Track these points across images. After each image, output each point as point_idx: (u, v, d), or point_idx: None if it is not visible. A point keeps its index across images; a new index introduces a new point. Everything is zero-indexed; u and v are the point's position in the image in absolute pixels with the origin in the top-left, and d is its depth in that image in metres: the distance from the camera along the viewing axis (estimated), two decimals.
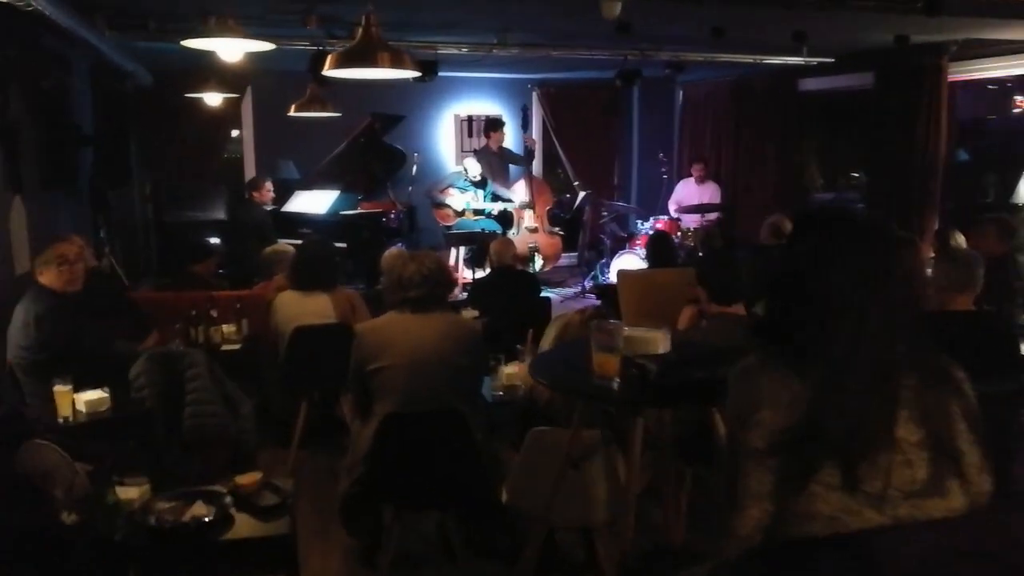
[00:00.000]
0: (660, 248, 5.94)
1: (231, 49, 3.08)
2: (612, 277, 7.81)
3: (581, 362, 2.46)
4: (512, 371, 3.50)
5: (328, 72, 2.92)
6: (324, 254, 4.02)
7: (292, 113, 5.74)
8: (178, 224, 7.98)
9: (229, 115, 8.54)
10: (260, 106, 8.49)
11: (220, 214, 8.17)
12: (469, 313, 4.91)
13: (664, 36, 6.34)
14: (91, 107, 6.65)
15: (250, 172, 8.67)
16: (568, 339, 2.96)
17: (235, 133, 8.95)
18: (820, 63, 7.16)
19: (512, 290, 5.18)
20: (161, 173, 8.39)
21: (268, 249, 4.90)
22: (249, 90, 8.55)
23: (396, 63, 2.86)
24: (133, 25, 5.07)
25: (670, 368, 2.35)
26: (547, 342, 3.87)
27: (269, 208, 7.48)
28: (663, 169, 8.20)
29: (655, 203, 8.83)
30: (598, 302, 6.71)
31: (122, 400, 3.25)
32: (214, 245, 5.98)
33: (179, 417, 3.27)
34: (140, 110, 8.15)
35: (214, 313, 4.35)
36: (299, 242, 7.07)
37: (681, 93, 9.63)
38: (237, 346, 4.33)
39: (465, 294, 8.09)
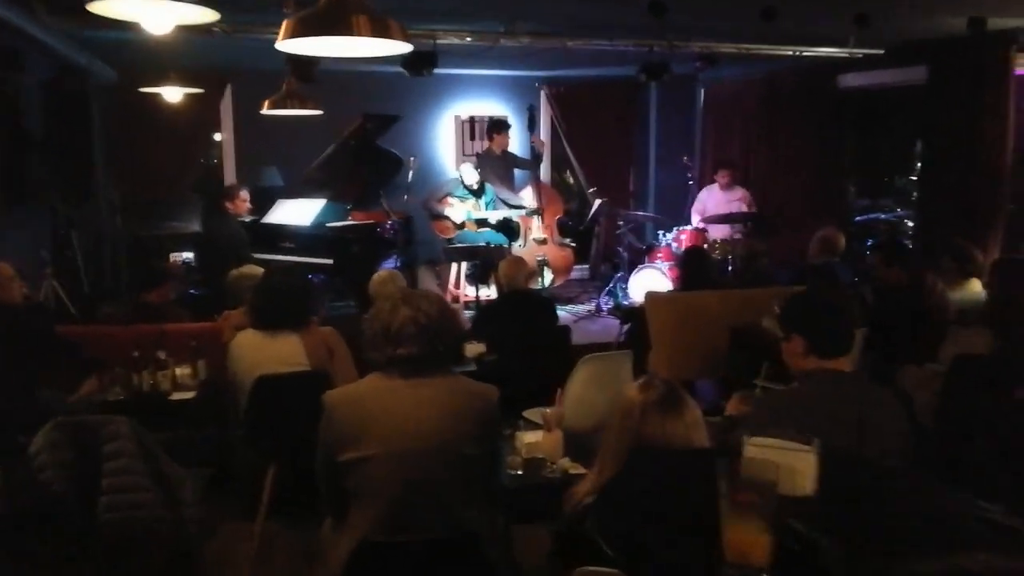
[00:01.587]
0: (695, 266, 5.13)
1: (154, 16, 2.26)
2: (633, 295, 7.00)
3: (681, 505, 1.36)
4: (535, 440, 2.67)
5: (285, 44, 2.10)
6: (292, 285, 3.20)
7: (266, 111, 4.93)
8: (150, 239, 7.17)
9: (206, 117, 7.74)
10: (241, 107, 7.68)
11: (197, 226, 7.36)
12: (474, 348, 4.10)
13: (696, 27, 5.56)
14: (45, 110, 5.86)
15: (231, 179, 7.88)
16: (628, 431, 1.90)
17: (218, 137, 8.14)
18: (866, 55, 6.36)
19: (525, 319, 4.37)
20: (131, 181, 7.56)
21: (234, 273, 4.09)
22: (228, 89, 7.75)
23: (379, 31, 2.05)
24: (71, 7, 4.27)
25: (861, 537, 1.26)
26: (582, 416, 3.08)
27: (248, 220, 6.67)
28: (689, 175, 7.40)
29: (675, 212, 8.02)
30: (623, 326, 5.90)
31: (18, 484, 2.43)
32: (175, 267, 5.15)
33: (94, 509, 2.45)
34: (105, 113, 7.36)
35: (162, 355, 3.53)
36: (276, 257, 6.36)
37: (703, 93, 8.82)
38: (191, 394, 3.52)
39: (467, 313, 7.39)
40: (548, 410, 2.71)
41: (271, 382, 3.12)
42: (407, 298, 2.19)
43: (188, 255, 6.77)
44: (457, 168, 8.30)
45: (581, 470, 2.59)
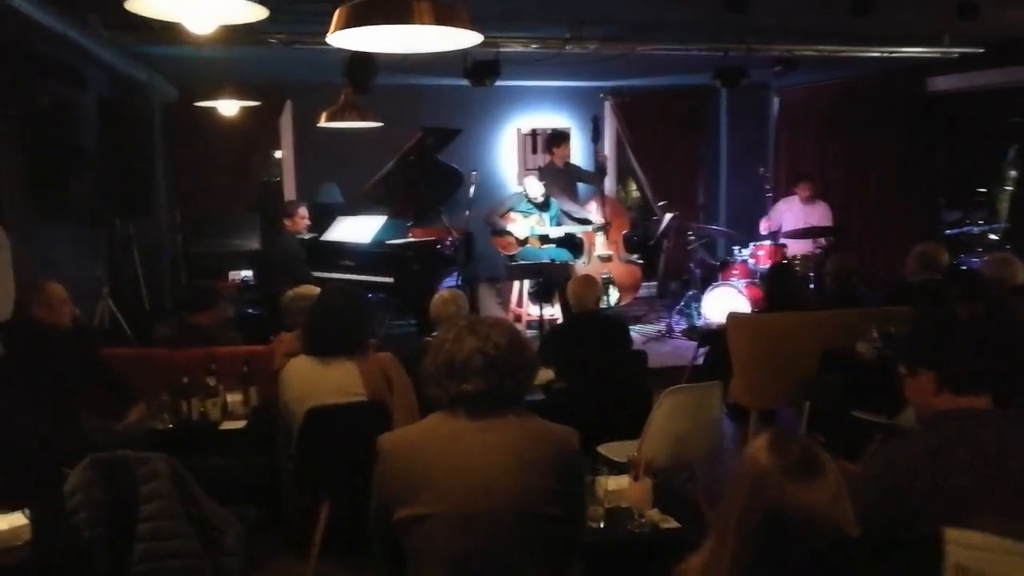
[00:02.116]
0: (780, 284, 4.72)
1: (197, 14, 2.03)
2: (707, 315, 6.59)
3: None
4: (619, 487, 2.33)
5: (337, 36, 1.84)
6: (348, 308, 2.94)
7: (323, 123, 4.73)
8: (208, 256, 7.07)
9: (266, 134, 7.66)
10: (300, 123, 7.58)
11: (255, 244, 7.25)
12: (542, 374, 3.78)
13: (775, 28, 5.18)
14: (104, 126, 5.80)
15: (290, 196, 7.77)
16: (759, 503, 1.47)
17: (278, 154, 8.06)
18: (962, 55, 5.86)
19: (597, 342, 4.03)
20: (191, 199, 7.51)
21: (289, 293, 3.87)
22: (288, 105, 7.65)
23: (442, 18, 1.77)
24: (127, 23, 4.15)
25: None
26: (666, 454, 2.74)
27: (307, 237, 6.51)
28: (767, 187, 6.96)
29: (749, 226, 7.57)
30: (699, 349, 5.50)
31: (47, 526, 2.21)
32: (227, 288, 4.98)
33: (127, 558, 2.22)
34: (166, 130, 7.34)
35: (211, 381, 3.32)
36: (335, 276, 6.17)
37: (777, 100, 8.37)
38: (241, 423, 3.29)
39: (530, 332, 7.09)
40: (635, 453, 2.35)
41: (324, 413, 2.86)
42: (473, 327, 1.89)
43: (246, 273, 6.64)
44: (519, 182, 8.05)
45: (672, 523, 2.24)
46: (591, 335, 4.05)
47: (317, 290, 3.90)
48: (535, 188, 6.80)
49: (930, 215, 6.95)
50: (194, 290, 4.68)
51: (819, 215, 7.29)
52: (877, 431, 3.93)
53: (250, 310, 6.04)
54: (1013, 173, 7.54)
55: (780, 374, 4.57)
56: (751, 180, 8.48)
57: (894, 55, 5.80)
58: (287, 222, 5.80)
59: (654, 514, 2.24)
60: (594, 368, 3.88)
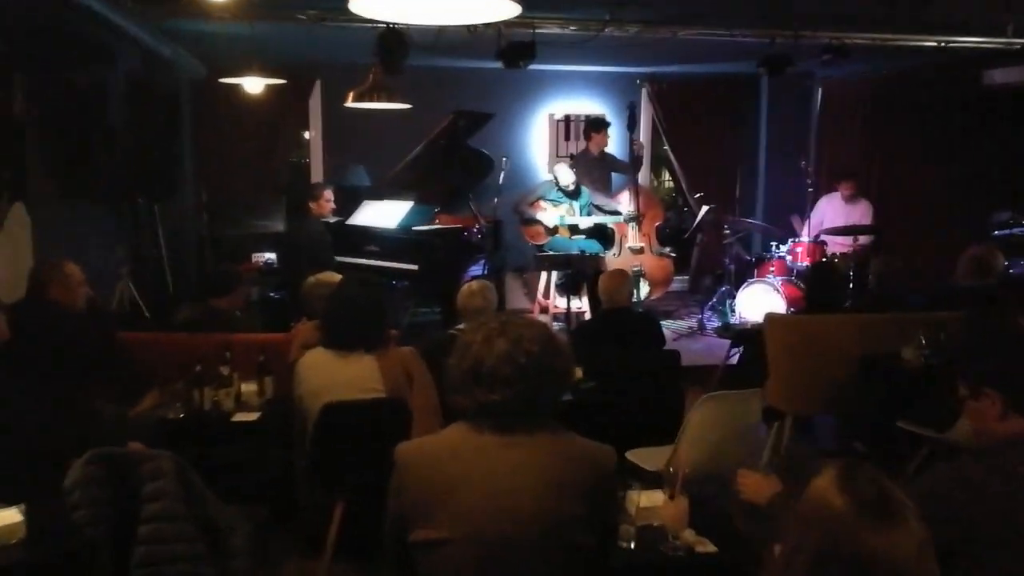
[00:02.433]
0: (822, 285, 4.49)
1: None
2: (742, 312, 6.36)
3: None
4: (652, 504, 2.15)
5: (360, 4, 1.67)
6: (368, 299, 2.79)
7: (350, 103, 4.58)
8: (233, 238, 6.99)
9: (295, 115, 7.54)
10: (329, 104, 7.45)
11: (281, 226, 7.14)
12: None
13: (824, 14, 4.93)
14: (131, 104, 5.72)
15: (317, 178, 7.66)
16: (833, 550, 1.20)
17: (307, 135, 7.94)
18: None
19: (628, 340, 3.86)
20: (217, 179, 7.43)
21: (310, 280, 3.73)
22: (317, 86, 7.52)
23: None
24: None
25: None
26: (701, 464, 2.56)
27: (332, 221, 6.39)
28: (808, 181, 6.69)
29: (787, 221, 7.30)
30: (733, 348, 5.29)
31: (44, 525, 2.09)
32: (248, 271, 4.85)
33: (127, 561, 2.10)
34: (193, 108, 7.25)
35: (225, 370, 3.19)
36: (359, 261, 6.03)
37: (820, 92, 8.07)
38: (255, 415, 3.16)
39: (556, 325, 6.91)
40: (668, 465, 2.17)
41: (341, 409, 2.72)
42: (505, 328, 1.72)
43: (270, 256, 6.54)
44: (550, 170, 7.85)
45: (709, 546, 2.07)
46: (622, 332, 3.87)
47: (338, 277, 3.76)
48: (566, 176, 6.60)
49: (979, 216, 6.63)
50: (213, 273, 4.56)
51: (860, 213, 7.01)
52: (923, 444, 3.73)
53: (272, 294, 5.94)
54: None
55: (818, 378, 4.35)
56: (790, 174, 8.19)
57: (951, 45, 5.51)
58: (312, 205, 5.67)
59: (689, 535, 2.06)
60: (625, 367, 3.70)
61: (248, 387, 3.31)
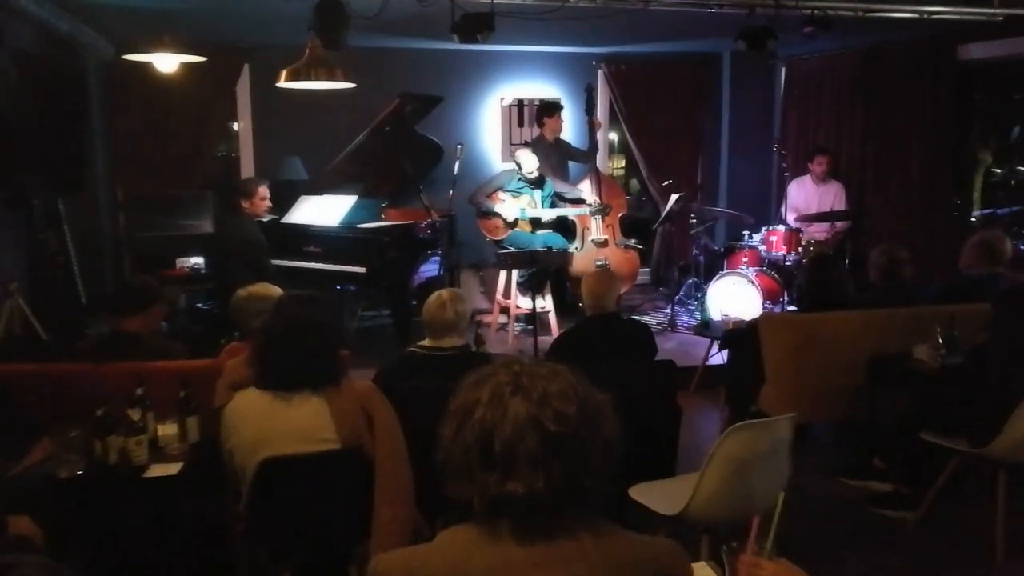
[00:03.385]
0: (823, 280, 4.06)
1: None
2: (716, 307, 5.93)
3: None
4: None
5: None
6: (314, 324, 2.18)
7: (283, 83, 3.93)
8: (154, 241, 6.24)
9: (221, 101, 6.80)
10: (260, 89, 6.74)
11: (209, 226, 6.42)
12: None
13: None
14: (25, 88, 4.94)
15: (249, 172, 6.95)
16: None
17: (236, 126, 7.20)
18: (1007, 18, 5.23)
19: (617, 351, 3.34)
20: (135, 175, 6.65)
21: (241, 292, 3.10)
22: (246, 69, 6.80)
23: None
24: None
25: None
26: (723, 505, 2.06)
27: (266, 220, 5.72)
28: (784, 165, 6.29)
29: (752, 208, 6.88)
30: (719, 349, 4.84)
31: None
32: (169, 290, 4.17)
33: None
34: (105, 95, 6.45)
35: (135, 414, 2.56)
36: (297, 264, 5.37)
37: (784, 71, 7.70)
38: (176, 467, 2.54)
39: (517, 326, 6.36)
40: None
41: (282, 466, 2.13)
42: (521, 382, 1.19)
43: (197, 260, 5.83)
44: (503, 158, 7.31)
45: None
46: (611, 342, 3.36)
47: (275, 291, 3.14)
48: (530, 162, 6.06)
49: (958, 197, 6.35)
50: (123, 288, 3.86)
51: (833, 196, 6.68)
52: (954, 459, 3.33)
53: (200, 305, 5.26)
54: None
55: (822, 382, 3.94)
56: (755, 159, 7.84)
57: (934, 16, 5.14)
58: (245, 203, 5.01)
59: None
60: (617, 384, 3.18)
61: (167, 429, 2.68)
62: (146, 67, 5.10)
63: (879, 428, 3.68)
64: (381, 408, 2.24)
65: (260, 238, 5.04)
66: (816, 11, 4.82)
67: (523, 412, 1.15)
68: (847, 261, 6.04)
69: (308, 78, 3.76)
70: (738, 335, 4.33)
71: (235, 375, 2.48)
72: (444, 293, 3.13)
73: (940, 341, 3.56)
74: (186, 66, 6.19)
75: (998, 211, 6.69)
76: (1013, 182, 7.11)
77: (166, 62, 3.69)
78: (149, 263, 6.05)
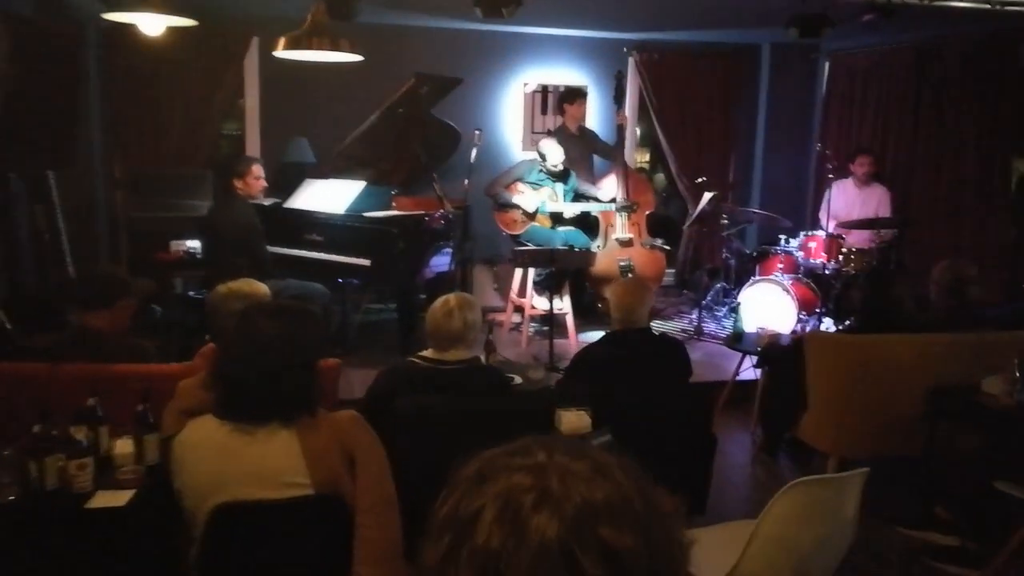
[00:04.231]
0: (881, 297, 3.61)
1: None
2: (750, 317, 5.48)
3: None
4: None
5: None
6: (286, 343, 1.74)
7: (281, 52, 3.51)
8: (152, 221, 5.86)
9: (229, 77, 6.40)
10: (268, 66, 6.33)
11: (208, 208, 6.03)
12: (576, 418, 2.68)
13: None
14: (15, 50, 4.57)
15: (254, 152, 6.55)
16: None
17: (242, 103, 6.81)
18: None
19: (650, 372, 2.92)
20: (135, 151, 6.28)
21: (220, 288, 2.70)
22: (255, 44, 6.39)
23: None
24: None
25: None
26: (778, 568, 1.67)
27: (267, 203, 5.33)
28: (829, 166, 5.82)
29: (788, 210, 6.42)
30: (753, 367, 4.41)
31: None
32: (144, 284, 3.76)
33: None
34: (103, 63, 6.07)
35: (79, 432, 2.17)
36: (297, 252, 4.96)
37: (828, 66, 7.20)
38: (127, 496, 2.14)
39: (532, 328, 5.94)
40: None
41: (241, 514, 1.73)
42: (547, 484, 0.78)
43: (193, 244, 5.45)
44: (524, 147, 6.88)
45: None
46: (640, 363, 2.94)
47: (261, 288, 2.75)
48: (555, 153, 5.63)
49: (1013, 209, 5.85)
50: (87, 278, 3.47)
51: (877, 201, 6.20)
52: None
53: (192, 293, 4.88)
54: None
55: (872, 414, 3.50)
56: (791, 158, 7.38)
57: (1006, 8, 4.66)
58: (238, 183, 4.62)
59: None
60: (649, 410, 2.77)
61: (122, 447, 2.29)
62: (147, 36, 4.72)
63: (940, 471, 3.25)
64: (366, 445, 1.84)
65: (254, 221, 4.65)
66: None
67: (551, 537, 0.74)
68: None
69: (309, 47, 3.34)
70: (778, 352, 3.89)
71: (189, 399, 2.08)
72: (452, 299, 2.72)
73: (1017, 375, 3.11)
74: (190, 37, 5.85)
75: None
76: None
77: (154, 24, 3.29)
78: (142, 245, 5.68)
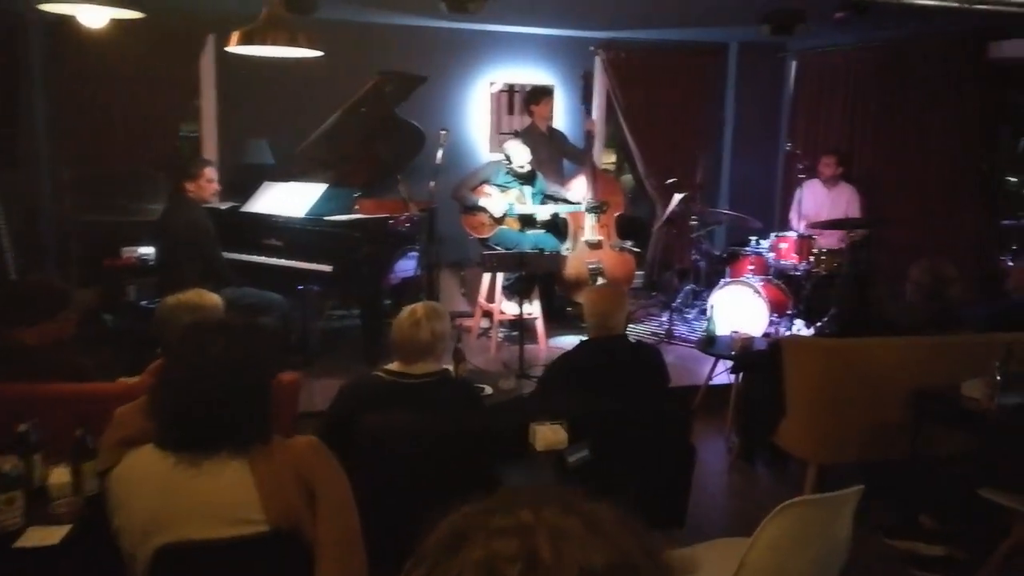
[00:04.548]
0: (858, 301, 3.53)
1: None
2: (722, 319, 5.39)
3: None
4: None
5: None
6: (235, 364, 1.55)
7: (234, 47, 3.30)
8: (104, 226, 5.59)
9: (182, 77, 6.14)
10: (225, 65, 6.09)
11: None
12: (551, 433, 2.54)
13: None
14: None
15: (211, 154, 6.30)
16: None
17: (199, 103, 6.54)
18: None
19: (627, 382, 2.79)
20: (85, 152, 5.99)
21: (169, 300, 2.50)
22: (211, 41, 6.15)
23: None
24: None
25: None
26: None
27: (225, 207, 5.12)
28: (800, 165, 5.75)
29: (756, 211, 6.35)
30: (728, 372, 4.31)
31: None
32: (113, 270, 3.51)
33: None
34: (49, 59, 5.78)
35: (6, 462, 1.97)
36: (256, 259, 4.74)
37: (795, 65, 7.17)
38: (60, 533, 1.95)
39: (501, 332, 5.79)
40: None
41: (186, 555, 1.54)
42: (537, 551, 0.65)
43: (146, 250, 5.20)
44: (492, 148, 6.73)
45: None
46: (619, 372, 2.80)
47: (213, 299, 2.55)
48: (521, 154, 5.49)
49: (985, 206, 5.85)
50: (15, 290, 3.23)
51: (846, 201, 6.17)
52: (1019, 523, 2.83)
53: (145, 301, 4.64)
54: None
55: (853, 419, 3.42)
56: (759, 158, 7.34)
57: (975, 8, 4.63)
58: (189, 186, 4.41)
59: None
60: (622, 422, 2.64)
61: (58, 477, 2.09)
62: (96, 31, 4.47)
63: (924, 476, 3.17)
64: (326, 476, 1.67)
65: (206, 225, 4.44)
66: None
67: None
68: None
69: (264, 42, 3.13)
70: (753, 357, 3.79)
71: (127, 427, 1.88)
72: (419, 308, 2.56)
73: (998, 378, 3.04)
74: (141, 33, 5.60)
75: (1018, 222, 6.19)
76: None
77: (95, 16, 3.06)
78: (92, 251, 5.42)
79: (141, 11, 3.41)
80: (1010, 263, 5.24)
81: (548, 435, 2.53)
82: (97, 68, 5.76)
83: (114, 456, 1.71)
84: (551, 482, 2.47)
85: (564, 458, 2.44)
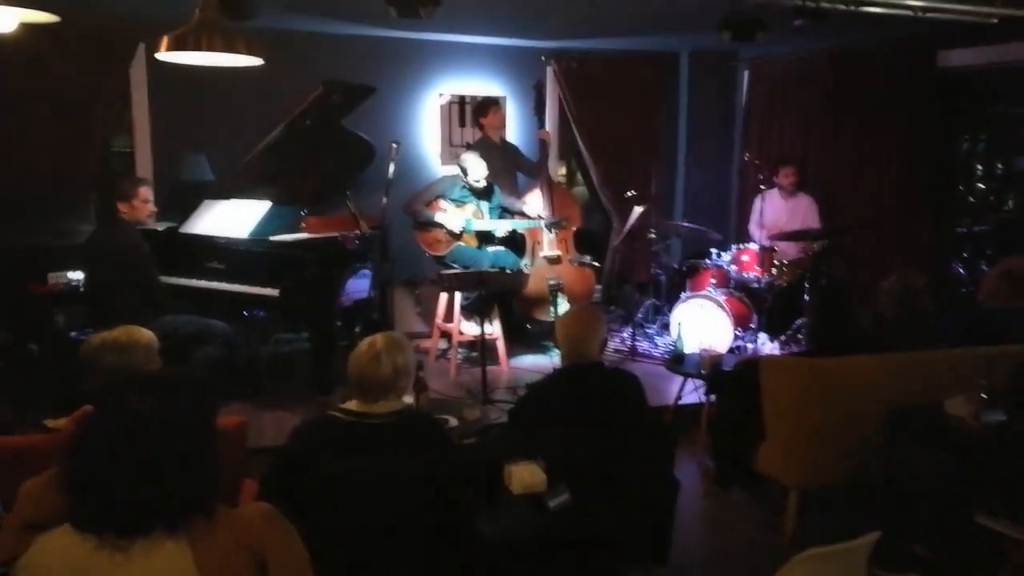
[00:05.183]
0: (834, 317, 3.41)
1: None
2: (683, 336, 5.25)
3: None
4: None
5: None
6: (164, 426, 1.29)
7: (164, 53, 3.01)
8: (24, 251, 5.19)
9: (110, 88, 5.75)
10: (158, 76, 5.74)
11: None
12: (527, 472, 2.33)
13: None
14: None
15: (146, 171, 5.94)
16: None
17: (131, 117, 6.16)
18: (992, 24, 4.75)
19: (606, 413, 2.59)
20: (6, 172, 5.57)
21: (95, 338, 2.21)
22: (141, 51, 5.79)
23: None
24: None
25: None
26: None
27: (161, 228, 4.78)
28: (761, 176, 5.68)
29: (711, 222, 6.26)
30: (703, 392, 4.16)
31: None
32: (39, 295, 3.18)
33: None
34: None
35: None
36: (198, 283, 4.41)
37: (747, 74, 7.13)
38: None
39: (460, 353, 5.52)
40: None
41: None
42: None
43: (75, 275, 4.82)
44: (454, 160, 6.49)
45: None
46: (593, 402, 2.60)
47: (145, 337, 2.27)
48: (478, 168, 5.30)
49: (938, 213, 5.86)
50: None
51: (804, 211, 6.12)
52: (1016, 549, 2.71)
53: (74, 333, 4.27)
54: None
55: (835, 441, 3.29)
56: (714, 169, 7.27)
57: (928, 16, 4.60)
58: (123, 207, 4.09)
59: None
60: (600, 456, 2.44)
61: None
62: (13, 38, 4.11)
63: (906, 500, 3.04)
64: (281, 544, 1.42)
65: (142, 248, 4.12)
66: (809, 2, 4.20)
67: None
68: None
69: (198, 47, 2.85)
70: (727, 379, 3.64)
71: (37, 507, 1.59)
72: (379, 340, 2.32)
73: (984, 395, 2.94)
74: (64, 40, 5.25)
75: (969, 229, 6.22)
76: (972, 199, 6.73)
77: (3, 19, 2.75)
78: (14, 277, 5.01)
79: (57, 14, 3.10)
80: (984, 267, 5.24)
81: (525, 477, 2.32)
82: (12, 78, 5.36)
83: (19, 544, 1.42)
84: (530, 528, 2.26)
85: (544, 503, 2.23)
